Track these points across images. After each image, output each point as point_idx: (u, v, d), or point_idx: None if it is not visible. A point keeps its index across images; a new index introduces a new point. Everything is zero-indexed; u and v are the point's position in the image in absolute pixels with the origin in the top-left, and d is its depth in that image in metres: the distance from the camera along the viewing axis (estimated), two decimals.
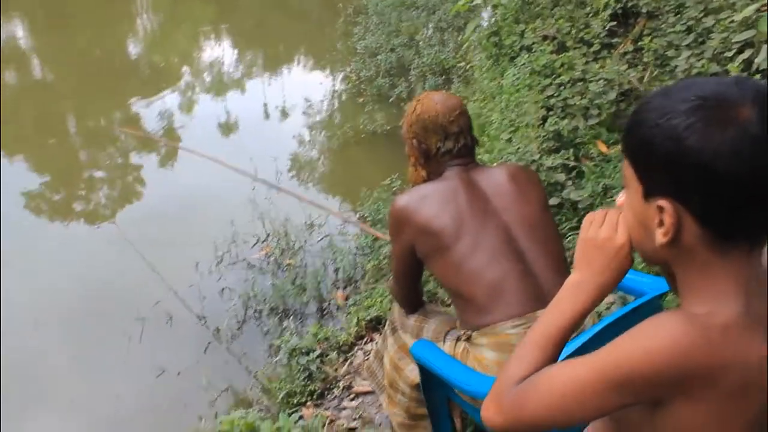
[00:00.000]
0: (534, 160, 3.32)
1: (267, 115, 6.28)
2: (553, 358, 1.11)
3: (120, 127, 6.06)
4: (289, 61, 8.05)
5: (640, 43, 3.75)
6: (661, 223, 0.94)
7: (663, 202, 0.93)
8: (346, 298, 3.54)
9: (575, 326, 1.12)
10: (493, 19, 4.72)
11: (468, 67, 5.22)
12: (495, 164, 2.68)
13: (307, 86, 6.71)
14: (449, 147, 2.03)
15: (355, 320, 3.21)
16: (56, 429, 2.97)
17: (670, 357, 0.90)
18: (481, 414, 1.12)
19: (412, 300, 2.21)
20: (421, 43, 6.00)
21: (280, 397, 2.84)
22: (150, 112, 6.60)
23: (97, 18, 9.37)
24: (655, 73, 3.59)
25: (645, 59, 3.67)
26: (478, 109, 4.31)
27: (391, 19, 6.58)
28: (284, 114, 6.31)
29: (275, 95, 6.66)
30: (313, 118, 6.09)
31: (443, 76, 5.53)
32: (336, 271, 3.79)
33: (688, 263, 0.96)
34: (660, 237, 0.95)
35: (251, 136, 5.88)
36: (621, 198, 1.07)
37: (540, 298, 1.86)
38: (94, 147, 6.10)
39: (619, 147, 3.30)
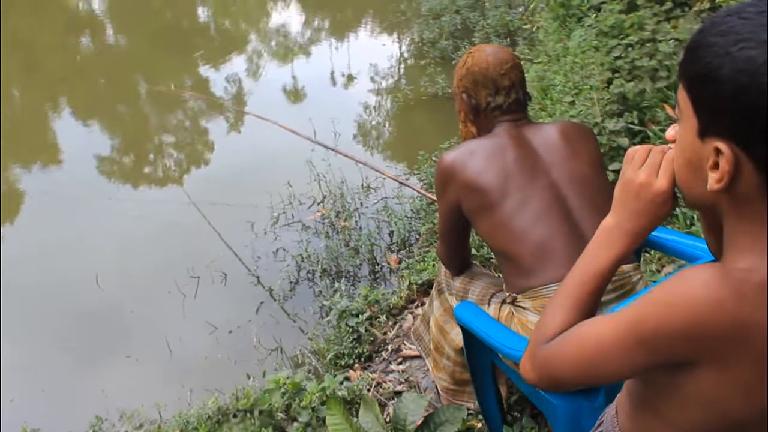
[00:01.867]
0: (596, 123, 3.18)
1: (333, 82, 6.25)
2: (587, 309, 1.03)
3: (188, 91, 6.14)
4: (356, 25, 7.98)
5: (717, 1, 3.52)
6: (715, 167, 0.83)
7: (721, 145, 0.81)
8: (399, 262, 3.50)
9: (608, 274, 1.03)
10: None
11: (534, 29, 5.04)
12: (548, 121, 2.57)
13: (370, 50, 6.65)
14: (499, 102, 1.94)
15: (406, 284, 3.17)
16: (114, 379, 3.05)
17: (696, 313, 0.80)
18: (520, 370, 1.07)
19: (458, 261, 2.14)
20: (487, 4, 5.84)
21: (328, 358, 2.83)
22: (218, 76, 6.67)
23: None
24: None
25: None
26: (541, 71, 4.17)
27: None
28: (348, 78, 6.28)
29: (340, 60, 6.63)
30: (374, 82, 6.03)
31: (508, 38, 5.37)
32: (390, 234, 3.75)
33: (739, 213, 0.85)
34: (713, 182, 0.83)
35: (314, 100, 5.88)
36: (672, 131, 0.94)
37: None
38: (164, 111, 6.21)
39: None
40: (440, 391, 2.33)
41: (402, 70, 6.20)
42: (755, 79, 0.76)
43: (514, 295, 1.86)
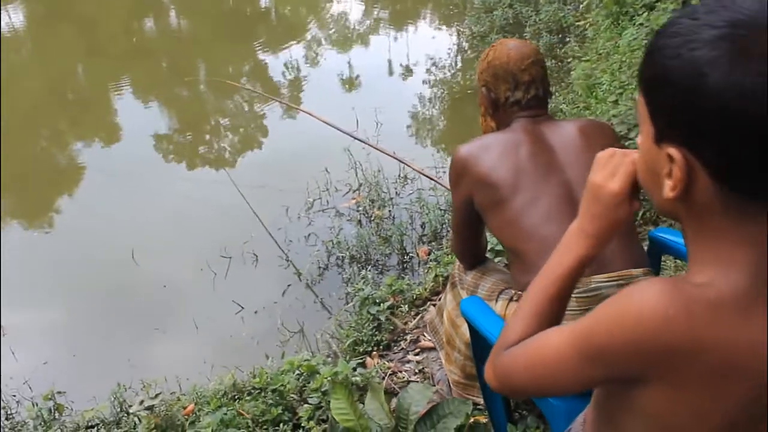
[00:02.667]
0: (636, 125, 3.11)
1: (390, 71, 6.26)
2: (550, 315, 1.01)
3: (242, 79, 6.23)
4: (413, 17, 7.97)
5: None
6: (670, 174, 0.80)
7: (673, 151, 0.78)
8: (429, 253, 3.50)
9: (570, 278, 1.01)
10: None
11: (587, 26, 4.95)
12: (569, 119, 2.53)
13: (421, 42, 6.64)
14: (518, 97, 1.92)
15: (432, 276, 3.16)
16: (140, 350, 3.15)
17: (643, 329, 0.78)
18: (484, 375, 1.06)
19: (471, 255, 2.13)
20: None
21: (346, 344, 2.86)
22: (276, 62, 6.76)
23: None
24: None
25: None
26: (589, 69, 4.09)
27: None
28: (405, 69, 6.28)
29: (391, 51, 6.64)
30: (422, 73, 6.01)
31: (559, 35, 5.28)
32: (422, 225, 3.75)
33: (698, 223, 0.82)
34: (667, 190, 0.81)
35: (364, 89, 5.92)
36: (641, 137, 0.92)
37: (597, 263, 1.73)
38: (219, 96, 6.33)
39: None
40: (451, 385, 2.33)
41: (449, 64, 6.16)
42: (701, 80, 0.73)
43: (520, 292, 1.84)
